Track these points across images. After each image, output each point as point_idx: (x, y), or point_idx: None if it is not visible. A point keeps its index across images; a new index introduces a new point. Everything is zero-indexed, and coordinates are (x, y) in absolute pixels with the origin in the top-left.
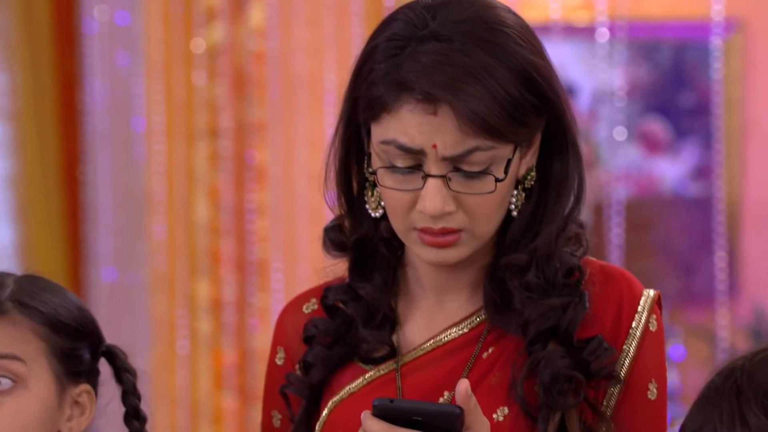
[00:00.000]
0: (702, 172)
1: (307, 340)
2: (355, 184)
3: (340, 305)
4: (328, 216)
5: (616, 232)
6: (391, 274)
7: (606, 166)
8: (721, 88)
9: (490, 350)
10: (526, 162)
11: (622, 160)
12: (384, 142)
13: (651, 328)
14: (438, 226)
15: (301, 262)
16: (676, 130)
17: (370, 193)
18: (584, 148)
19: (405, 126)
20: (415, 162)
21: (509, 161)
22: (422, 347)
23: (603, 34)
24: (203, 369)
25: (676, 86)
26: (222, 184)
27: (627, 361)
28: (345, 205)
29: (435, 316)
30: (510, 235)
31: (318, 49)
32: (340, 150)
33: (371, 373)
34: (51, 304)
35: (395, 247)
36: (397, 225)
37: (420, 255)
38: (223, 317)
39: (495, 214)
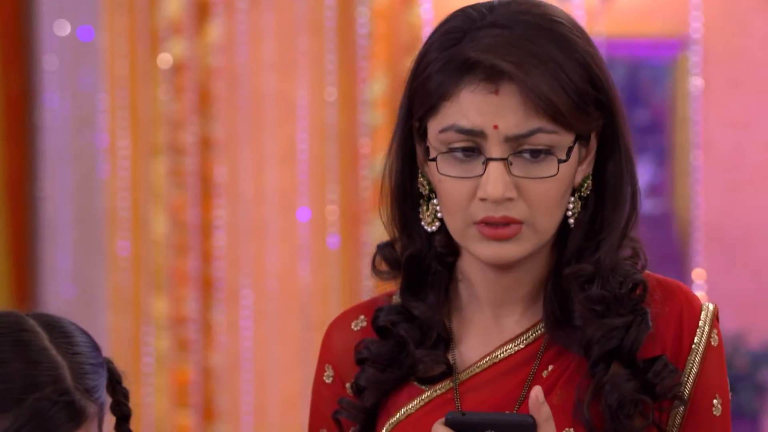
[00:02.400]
0: (655, 190)
1: (360, 361)
2: (408, 201)
3: (393, 326)
4: (289, 232)
5: None
6: (444, 291)
7: None
8: (673, 105)
9: (549, 368)
10: (582, 170)
11: None
12: (443, 131)
13: (713, 344)
14: (499, 214)
15: (263, 279)
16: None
17: (425, 208)
18: None
19: (464, 108)
20: (475, 147)
21: (570, 148)
22: (478, 365)
23: None
24: (163, 386)
25: (629, 104)
26: (183, 201)
27: (691, 379)
28: (399, 223)
29: (490, 332)
30: (571, 245)
31: (282, 65)
32: (396, 165)
33: (428, 393)
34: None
35: (448, 264)
36: (456, 222)
37: (479, 253)
38: (183, 334)
39: (555, 208)
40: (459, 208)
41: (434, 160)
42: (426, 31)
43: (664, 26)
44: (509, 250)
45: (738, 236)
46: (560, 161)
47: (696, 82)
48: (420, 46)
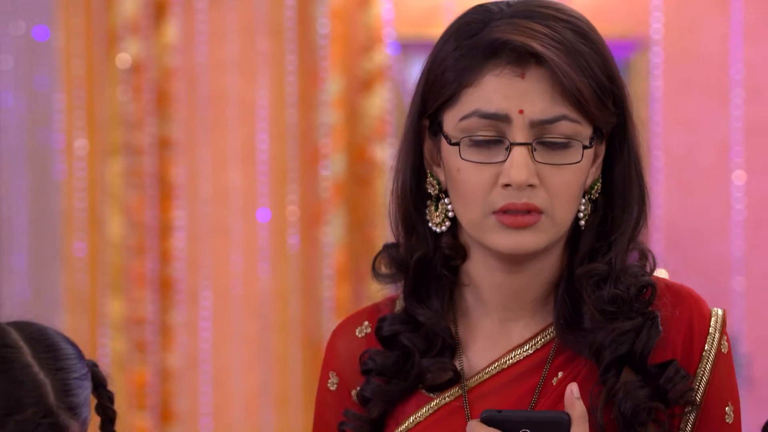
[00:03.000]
0: None
1: (365, 372)
2: (416, 202)
3: (397, 336)
4: (246, 234)
5: None
6: (449, 296)
7: None
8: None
9: (559, 375)
10: (592, 173)
11: None
12: (464, 117)
13: (723, 350)
14: (521, 201)
15: (223, 280)
16: None
17: (433, 209)
18: None
19: (488, 93)
20: (498, 133)
21: (592, 138)
22: (486, 371)
23: None
24: (119, 388)
25: None
26: (140, 201)
27: (702, 386)
28: (405, 224)
29: (497, 337)
30: (583, 247)
31: (242, 65)
32: (405, 166)
33: (437, 401)
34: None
35: (454, 268)
36: (473, 212)
37: (496, 243)
38: (140, 335)
39: (573, 200)
40: (478, 196)
41: (457, 144)
42: (387, 31)
43: (619, 28)
44: (527, 240)
45: (690, 237)
46: (585, 147)
47: (656, 84)
48: (377, 46)
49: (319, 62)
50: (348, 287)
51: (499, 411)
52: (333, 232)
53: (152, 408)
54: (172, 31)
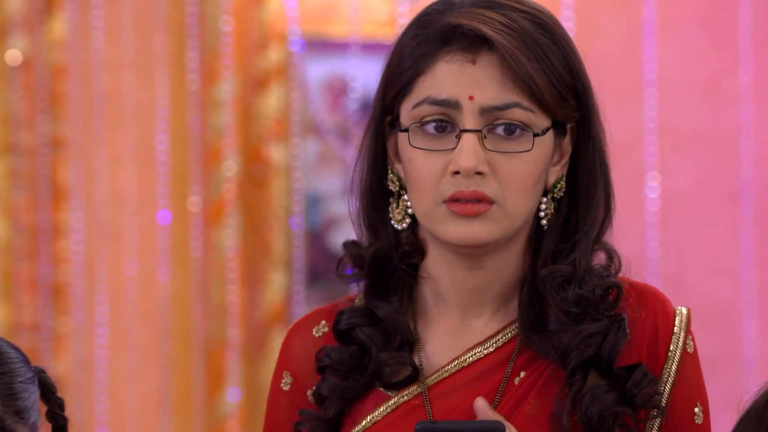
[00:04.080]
0: None
1: (321, 370)
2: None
3: (354, 330)
4: (132, 236)
5: None
6: (407, 293)
7: None
8: None
9: (521, 374)
10: (556, 171)
11: None
12: (416, 105)
13: (689, 350)
14: (470, 188)
15: (120, 284)
16: None
17: (395, 205)
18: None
19: (440, 80)
20: (449, 120)
21: (547, 129)
22: (446, 369)
23: None
24: None
25: None
26: (29, 203)
27: (668, 387)
28: (367, 221)
29: (457, 334)
30: (546, 247)
31: (139, 63)
32: (367, 162)
33: (395, 399)
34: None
35: (413, 264)
36: (425, 202)
37: (447, 234)
38: (30, 342)
39: (526, 191)
40: (429, 185)
41: (406, 131)
42: (287, 28)
43: None
44: (477, 230)
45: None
46: (536, 135)
47: None
48: (273, 44)
49: (217, 60)
50: (244, 292)
51: (433, 422)
52: (229, 236)
53: (43, 416)
54: (63, 26)
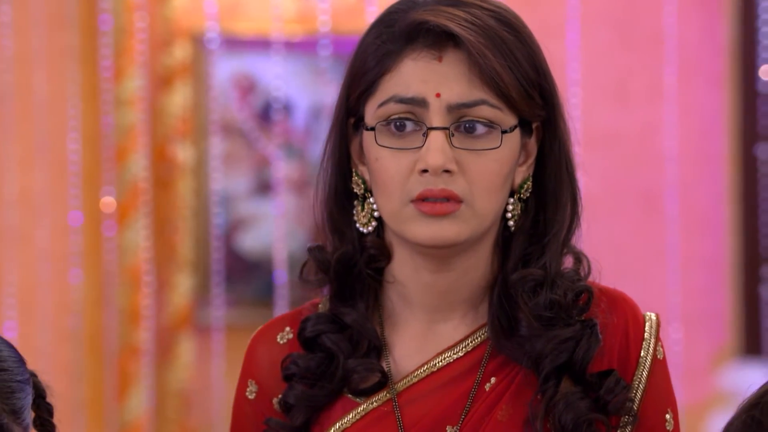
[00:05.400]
0: None
1: (287, 378)
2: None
3: (320, 337)
4: (43, 238)
5: None
6: (373, 298)
7: None
8: None
9: (492, 380)
10: (522, 171)
11: None
12: (382, 104)
13: (659, 356)
14: (438, 186)
15: (13, 287)
16: None
17: (360, 209)
18: (299, 168)
19: (406, 78)
20: (415, 119)
21: (514, 126)
22: (415, 374)
23: (324, 48)
24: None
25: None
26: None
27: (639, 393)
28: (331, 224)
29: (425, 339)
30: (515, 250)
31: (22, 60)
32: (331, 165)
33: (364, 406)
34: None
35: (379, 269)
36: (392, 202)
37: (415, 234)
38: None
39: (495, 190)
40: (396, 184)
41: (372, 129)
42: (202, 25)
43: None
44: (446, 229)
45: None
46: (503, 132)
47: None
48: (178, 41)
49: (108, 59)
50: (149, 295)
51: None
52: (139, 238)
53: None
54: None
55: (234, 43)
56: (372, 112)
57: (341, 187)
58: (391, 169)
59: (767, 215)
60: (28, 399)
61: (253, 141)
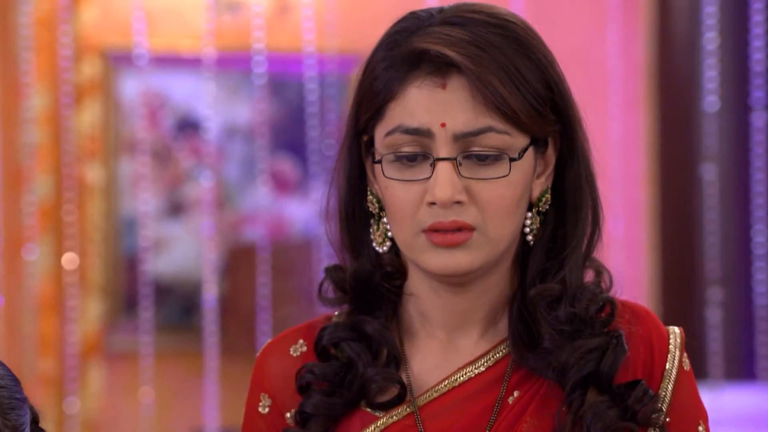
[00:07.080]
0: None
1: (302, 388)
2: (357, 222)
3: (337, 347)
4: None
5: (261, 281)
6: (392, 310)
7: (235, 207)
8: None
9: (515, 394)
10: (540, 184)
11: (251, 201)
12: (389, 133)
13: (685, 368)
14: (449, 219)
15: None
16: (304, 170)
17: (375, 227)
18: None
19: (411, 107)
20: (422, 149)
21: (525, 149)
22: (436, 389)
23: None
24: None
25: (302, 123)
26: None
27: (665, 406)
28: (348, 244)
29: (446, 355)
30: (533, 265)
31: None
32: (344, 184)
33: (384, 419)
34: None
35: (397, 286)
36: (404, 232)
37: (428, 264)
38: None
39: (508, 214)
40: (407, 215)
41: (379, 162)
42: (119, 43)
43: (339, 42)
44: (460, 259)
45: None
46: (512, 159)
47: None
48: (87, 57)
49: (22, 75)
50: (55, 320)
51: None
52: (38, 261)
53: None
54: None
55: (144, 60)
56: (380, 139)
57: (356, 205)
58: (400, 200)
59: (713, 237)
60: (27, 418)
61: (163, 160)
